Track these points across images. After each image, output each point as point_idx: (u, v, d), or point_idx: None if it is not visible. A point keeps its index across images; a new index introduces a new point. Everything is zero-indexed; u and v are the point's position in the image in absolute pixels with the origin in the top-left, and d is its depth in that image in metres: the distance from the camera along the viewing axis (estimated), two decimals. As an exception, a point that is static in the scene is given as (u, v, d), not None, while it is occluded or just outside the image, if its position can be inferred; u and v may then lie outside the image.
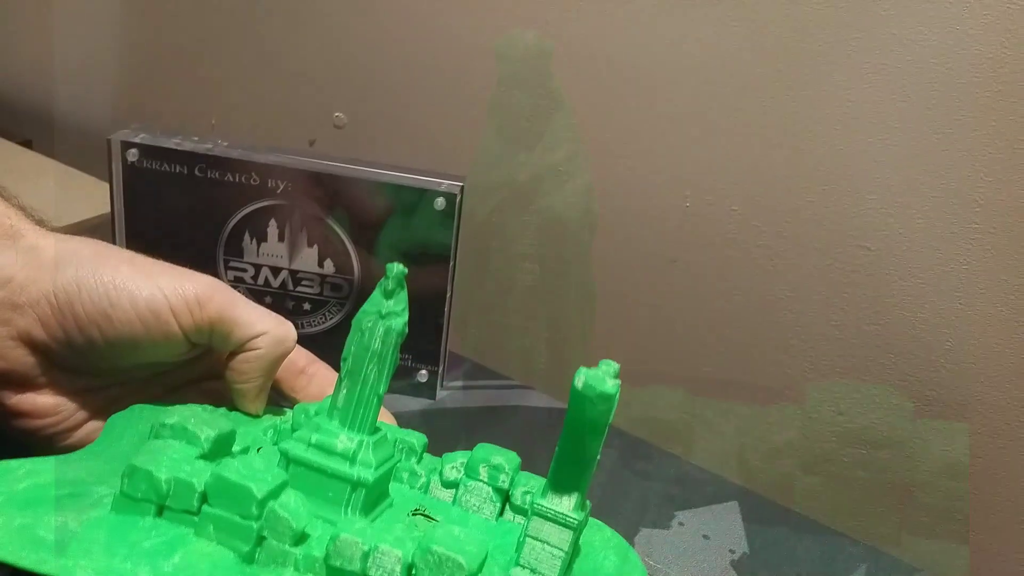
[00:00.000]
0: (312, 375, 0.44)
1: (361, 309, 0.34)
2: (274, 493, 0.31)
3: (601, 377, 0.30)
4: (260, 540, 0.31)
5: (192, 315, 0.37)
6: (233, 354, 0.40)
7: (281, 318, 0.40)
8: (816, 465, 0.64)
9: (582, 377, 0.30)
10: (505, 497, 0.38)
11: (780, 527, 0.50)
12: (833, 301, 0.63)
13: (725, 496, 0.51)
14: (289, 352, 0.40)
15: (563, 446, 0.32)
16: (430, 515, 0.37)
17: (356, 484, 0.33)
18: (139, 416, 0.39)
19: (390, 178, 0.54)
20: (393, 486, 0.37)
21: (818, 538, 0.50)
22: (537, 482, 0.38)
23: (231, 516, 0.31)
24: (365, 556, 0.30)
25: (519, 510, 0.38)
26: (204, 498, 0.31)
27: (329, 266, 0.55)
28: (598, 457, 0.32)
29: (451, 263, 0.54)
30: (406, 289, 0.34)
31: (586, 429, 0.31)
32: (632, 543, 0.47)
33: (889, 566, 0.48)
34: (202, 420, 0.35)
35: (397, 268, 0.33)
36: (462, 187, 0.53)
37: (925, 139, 0.57)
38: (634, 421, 0.58)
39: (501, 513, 0.38)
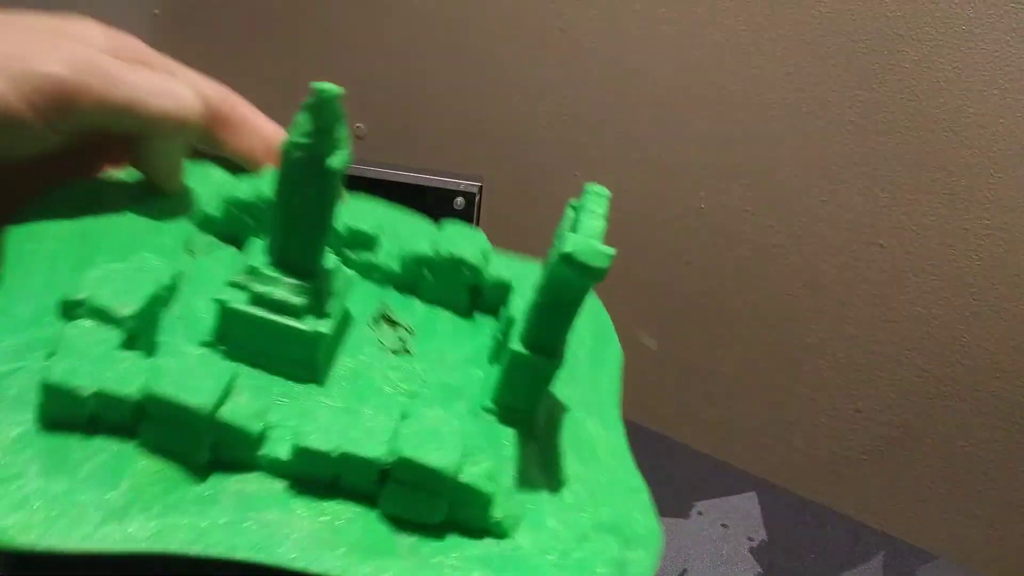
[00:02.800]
0: (239, 124, 0.36)
1: (290, 139, 0.27)
2: (221, 400, 0.27)
3: (594, 249, 0.26)
4: (215, 447, 0.27)
5: (55, 108, 0.30)
6: (127, 136, 0.33)
7: (180, 89, 0.33)
8: (834, 456, 0.64)
9: (571, 242, 0.26)
10: (475, 289, 0.35)
11: (798, 516, 0.51)
12: (850, 297, 0.63)
13: (743, 487, 0.52)
14: (194, 130, 0.33)
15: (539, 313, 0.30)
16: (395, 320, 0.34)
17: (312, 339, 0.29)
18: (36, 235, 0.32)
19: (410, 179, 0.55)
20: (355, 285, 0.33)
21: (836, 526, 0.50)
22: (508, 267, 0.36)
23: (176, 431, 0.27)
24: (337, 463, 0.28)
25: (491, 308, 0.35)
26: (141, 409, 0.27)
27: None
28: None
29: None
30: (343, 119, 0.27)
31: (567, 299, 0.29)
32: (652, 532, 0.48)
33: (906, 552, 0.49)
34: (121, 280, 0.29)
35: (330, 89, 0.26)
36: (480, 187, 0.55)
37: (936, 137, 0.58)
38: (652, 413, 0.58)
39: (471, 306, 0.36)
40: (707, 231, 0.67)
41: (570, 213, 0.29)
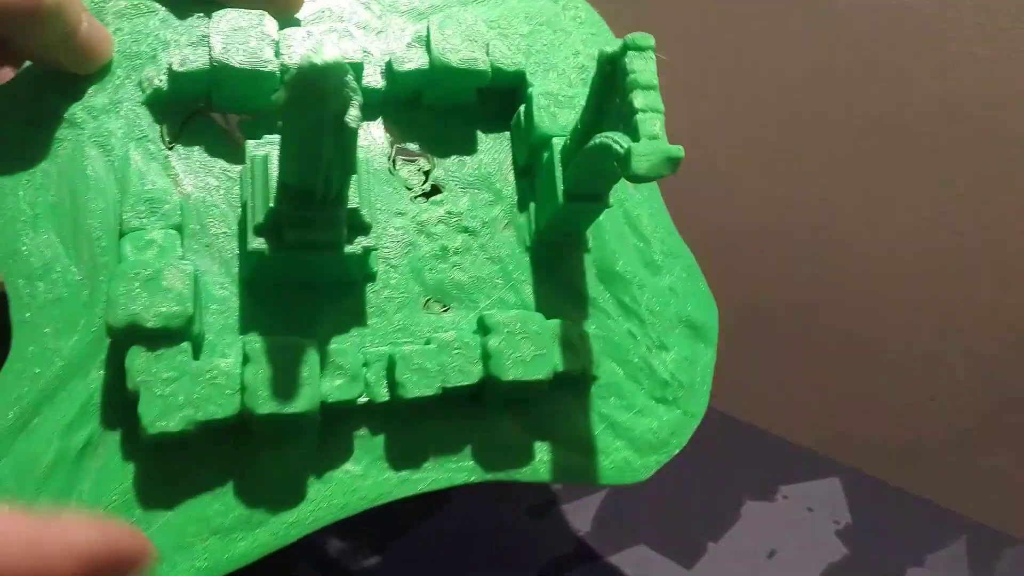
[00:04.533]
0: None
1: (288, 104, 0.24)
2: (317, 396, 0.28)
3: (663, 160, 0.25)
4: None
5: None
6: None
7: None
8: (912, 443, 0.65)
9: (636, 159, 0.25)
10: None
11: (880, 500, 0.52)
12: (927, 286, 0.64)
13: (826, 472, 0.53)
14: (54, 10, 0.27)
15: None
16: (412, 154, 0.34)
17: (362, 257, 0.29)
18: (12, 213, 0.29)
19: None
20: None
21: (917, 510, 0.51)
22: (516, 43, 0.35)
23: (287, 427, 0.28)
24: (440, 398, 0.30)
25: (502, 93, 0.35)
26: (246, 422, 0.28)
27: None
28: None
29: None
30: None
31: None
32: (739, 514, 0.50)
33: (990, 536, 0.50)
34: (144, 281, 0.27)
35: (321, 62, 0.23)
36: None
37: (1019, 124, 0.58)
38: (736, 402, 0.60)
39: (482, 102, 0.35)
40: (783, 219, 0.68)
41: (607, 73, 0.27)
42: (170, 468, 0.28)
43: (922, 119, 0.61)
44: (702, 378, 0.35)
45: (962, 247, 0.62)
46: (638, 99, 0.26)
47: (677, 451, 0.34)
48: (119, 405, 0.28)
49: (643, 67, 0.26)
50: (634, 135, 0.26)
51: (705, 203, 0.70)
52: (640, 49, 0.26)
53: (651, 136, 0.25)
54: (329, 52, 0.22)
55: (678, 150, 0.25)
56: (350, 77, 0.24)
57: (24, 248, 0.28)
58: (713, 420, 0.36)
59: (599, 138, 0.27)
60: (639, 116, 0.26)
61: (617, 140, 0.26)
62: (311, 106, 0.23)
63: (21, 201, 0.29)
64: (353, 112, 0.24)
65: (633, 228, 0.36)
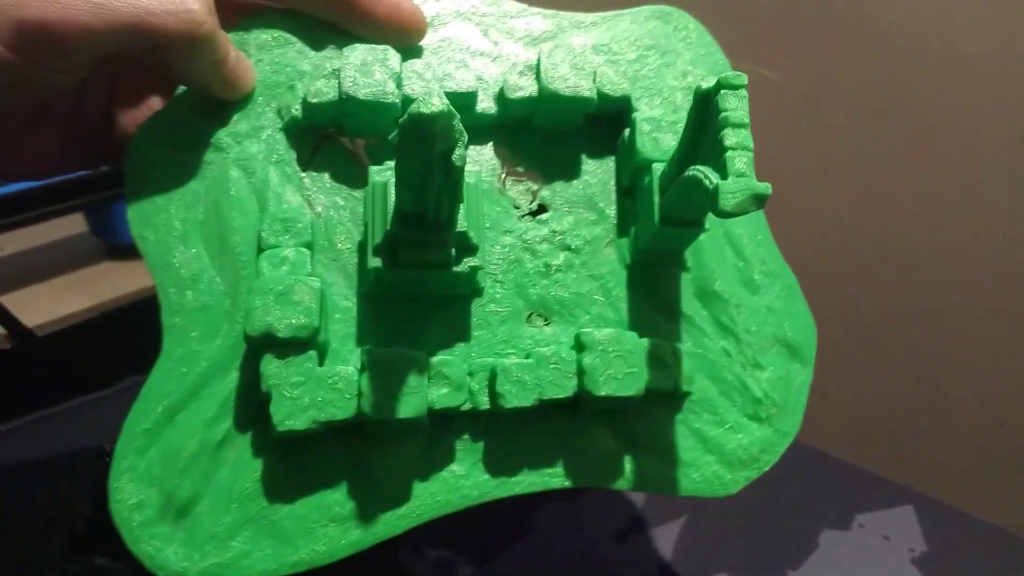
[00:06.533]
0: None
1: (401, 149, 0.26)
2: (423, 404, 0.31)
3: (750, 197, 0.26)
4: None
5: (34, 46, 0.28)
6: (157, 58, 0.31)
7: (183, 3, 0.29)
8: (982, 469, 0.66)
9: (724, 196, 0.26)
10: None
11: (956, 528, 0.53)
12: (994, 312, 0.65)
13: (901, 499, 0.55)
14: (207, 40, 0.30)
15: None
16: (520, 173, 0.35)
17: (470, 275, 0.32)
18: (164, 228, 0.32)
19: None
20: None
21: (989, 536, 0.52)
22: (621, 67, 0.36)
23: (400, 429, 0.31)
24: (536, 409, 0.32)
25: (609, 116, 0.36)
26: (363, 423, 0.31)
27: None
28: None
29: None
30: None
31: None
32: (816, 543, 0.51)
33: (1067, 566, 0.51)
34: (278, 295, 0.30)
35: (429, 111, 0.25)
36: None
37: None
38: (813, 431, 0.61)
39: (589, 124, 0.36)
40: (852, 244, 0.69)
41: (702, 108, 0.29)
42: (295, 462, 0.31)
43: (997, 151, 0.62)
44: (796, 397, 0.36)
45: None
46: (729, 137, 0.27)
47: (767, 468, 0.35)
48: (253, 404, 0.31)
49: (735, 105, 0.28)
50: (723, 172, 0.27)
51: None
52: (733, 88, 0.28)
53: (739, 174, 0.27)
54: (436, 103, 0.24)
55: (765, 188, 0.26)
56: (456, 121, 0.26)
57: (175, 260, 0.32)
58: (788, 447, 0.37)
59: (692, 171, 0.29)
60: (728, 154, 0.27)
61: (708, 175, 0.28)
62: (420, 148, 0.26)
63: (173, 218, 0.32)
64: (459, 152, 0.26)
65: (734, 247, 0.36)
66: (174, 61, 0.31)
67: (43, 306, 1.05)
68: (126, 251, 1.19)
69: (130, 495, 0.29)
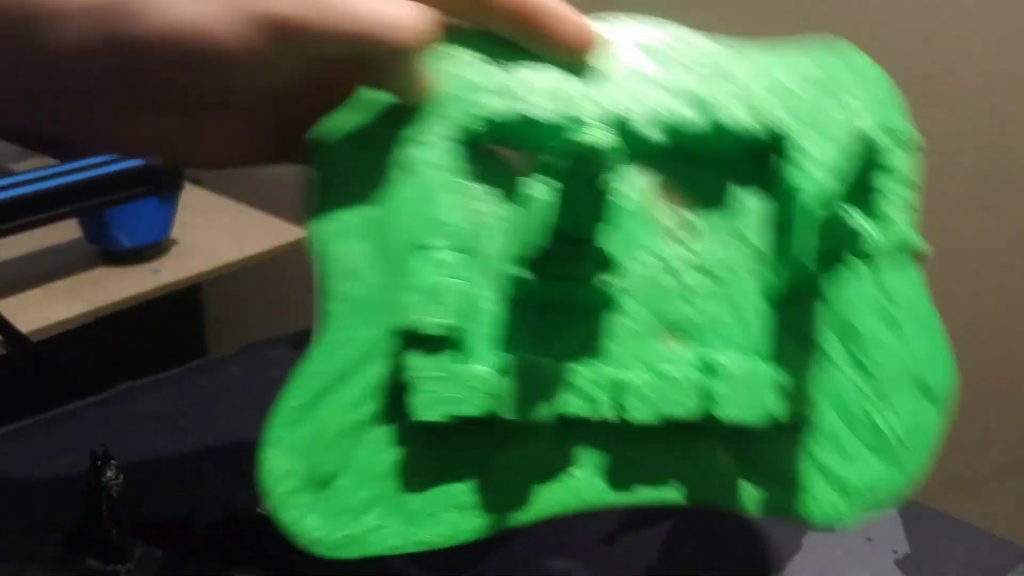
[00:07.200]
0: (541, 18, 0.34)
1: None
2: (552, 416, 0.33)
3: None
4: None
5: (278, 41, 0.29)
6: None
7: (401, 12, 0.30)
8: (967, 470, 0.66)
9: None
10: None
11: (939, 529, 0.53)
12: None
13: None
14: (419, 50, 0.32)
15: None
16: (672, 196, 0.36)
17: (604, 292, 0.34)
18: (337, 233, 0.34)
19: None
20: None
21: (978, 541, 0.53)
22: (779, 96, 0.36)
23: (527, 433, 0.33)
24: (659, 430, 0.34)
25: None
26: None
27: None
28: None
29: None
30: None
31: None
32: (800, 544, 0.52)
33: (1048, 568, 0.51)
34: (439, 293, 0.33)
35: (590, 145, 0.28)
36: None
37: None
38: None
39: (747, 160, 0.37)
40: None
41: (862, 152, 0.29)
42: (427, 450, 0.33)
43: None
44: (924, 439, 0.36)
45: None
46: (885, 184, 0.29)
47: (885, 507, 0.36)
48: (394, 393, 0.33)
49: (900, 163, 0.29)
50: (871, 216, 0.29)
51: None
52: (902, 144, 0.29)
53: (885, 218, 0.28)
54: (603, 137, 0.27)
55: (917, 239, 0.27)
56: (620, 149, 0.28)
57: (344, 251, 0.34)
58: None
59: (839, 208, 0.30)
60: (880, 199, 0.29)
61: (853, 216, 0.29)
62: (583, 174, 0.29)
63: (348, 212, 0.34)
64: (607, 177, 0.29)
65: (877, 283, 0.36)
66: (376, 63, 0.32)
67: (37, 312, 1.06)
68: (120, 257, 1.20)
69: (280, 464, 0.31)
